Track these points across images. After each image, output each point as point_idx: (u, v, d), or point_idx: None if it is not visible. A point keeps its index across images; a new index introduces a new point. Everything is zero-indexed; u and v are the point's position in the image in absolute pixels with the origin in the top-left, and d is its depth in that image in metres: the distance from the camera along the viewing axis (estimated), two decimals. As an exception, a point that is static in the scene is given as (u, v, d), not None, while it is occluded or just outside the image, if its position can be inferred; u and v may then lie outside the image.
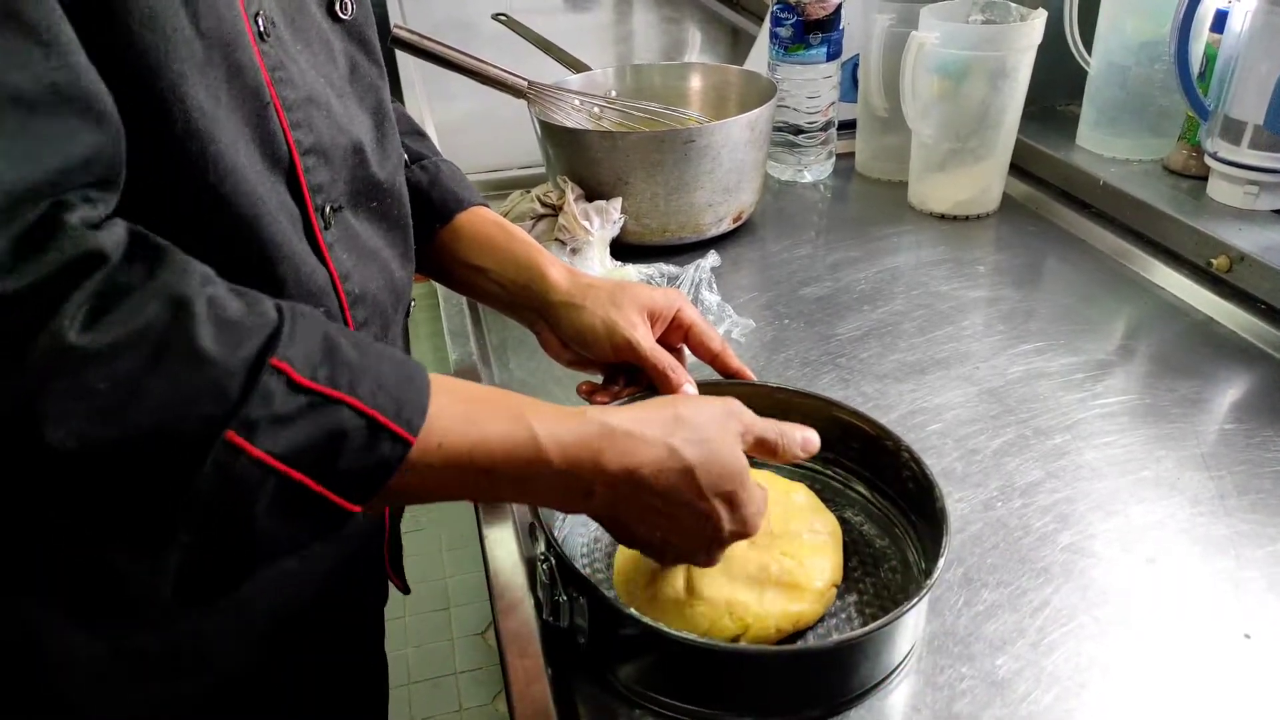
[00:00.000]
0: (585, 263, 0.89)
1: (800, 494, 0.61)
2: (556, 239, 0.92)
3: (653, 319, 0.64)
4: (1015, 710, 0.50)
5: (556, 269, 0.65)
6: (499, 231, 0.67)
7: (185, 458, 0.34)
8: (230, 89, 0.43)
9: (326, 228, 0.51)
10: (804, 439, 0.54)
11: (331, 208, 0.51)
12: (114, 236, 0.36)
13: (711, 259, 0.90)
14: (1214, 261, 0.88)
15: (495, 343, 0.85)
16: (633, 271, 0.89)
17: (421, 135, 0.71)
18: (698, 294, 0.87)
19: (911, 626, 0.52)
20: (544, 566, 0.52)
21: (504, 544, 0.62)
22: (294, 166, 0.47)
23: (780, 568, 0.54)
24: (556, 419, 0.45)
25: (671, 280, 0.90)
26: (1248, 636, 0.54)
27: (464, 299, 0.88)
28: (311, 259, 0.49)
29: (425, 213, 0.66)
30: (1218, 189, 0.94)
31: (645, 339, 0.62)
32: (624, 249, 0.96)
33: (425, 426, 0.40)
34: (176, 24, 0.39)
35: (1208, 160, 0.94)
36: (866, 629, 0.48)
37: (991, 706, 0.50)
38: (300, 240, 0.48)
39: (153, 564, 0.36)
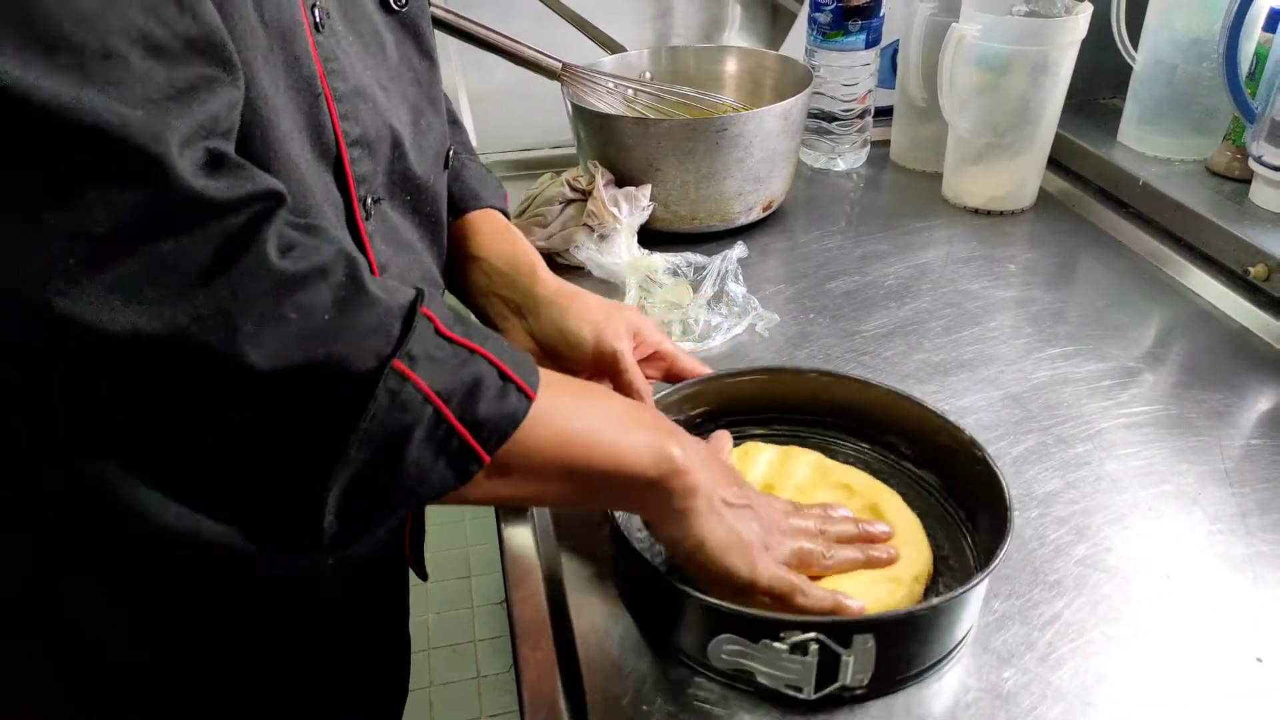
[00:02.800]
0: (612, 249, 0.89)
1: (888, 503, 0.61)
2: (585, 224, 0.92)
3: (636, 341, 0.64)
4: (1019, 724, 0.50)
5: (547, 271, 0.66)
6: (503, 229, 0.69)
7: (363, 382, 0.38)
8: (288, 79, 0.44)
9: (367, 218, 0.52)
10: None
11: (372, 199, 0.52)
12: (278, 182, 0.38)
13: (739, 250, 0.90)
14: (1252, 269, 0.86)
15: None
16: (659, 260, 0.89)
17: (457, 126, 0.71)
18: (723, 285, 0.87)
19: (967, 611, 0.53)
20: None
21: (521, 527, 0.63)
22: (340, 157, 0.48)
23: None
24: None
25: (699, 270, 0.90)
26: (1260, 660, 0.54)
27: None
28: (353, 246, 0.50)
29: None
30: (1260, 194, 0.92)
31: (629, 354, 0.63)
32: (651, 235, 0.96)
33: (542, 386, 0.44)
34: (244, 12, 0.41)
35: (1251, 164, 0.92)
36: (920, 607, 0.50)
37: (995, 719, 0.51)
38: (343, 230, 0.49)
39: (312, 498, 0.38)
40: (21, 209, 0.32)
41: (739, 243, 0.91)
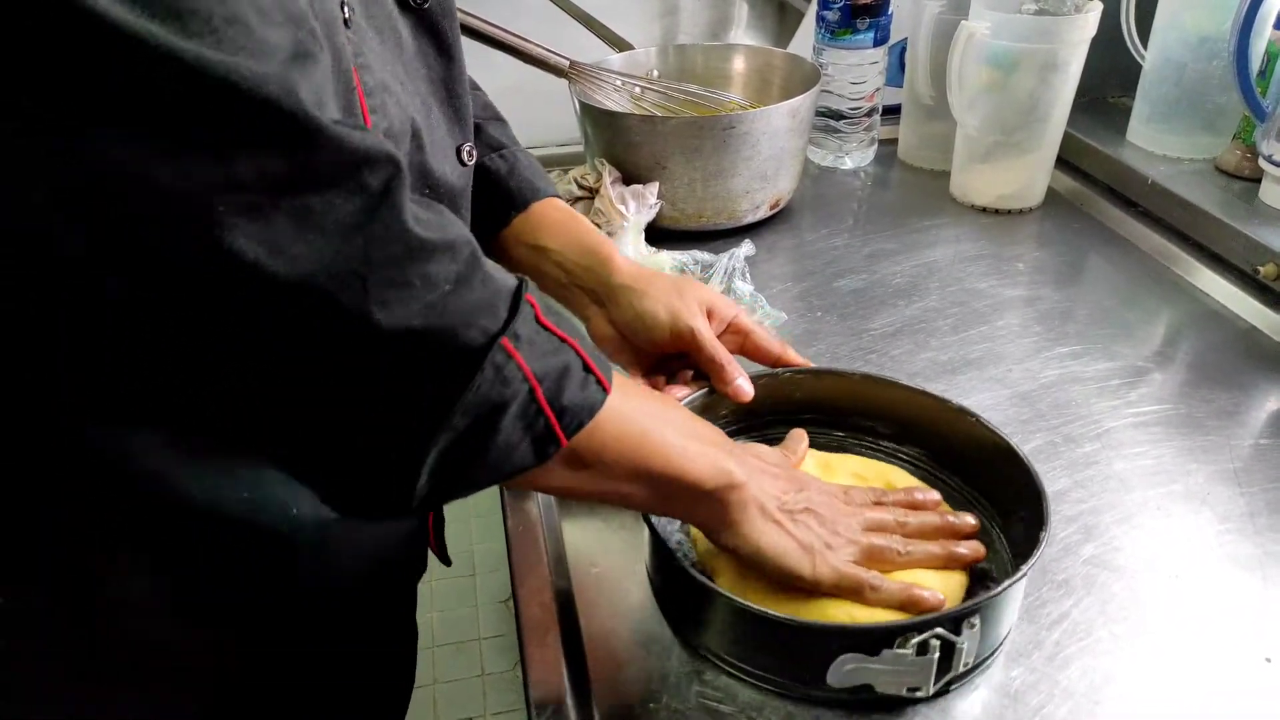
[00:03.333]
0: (619, 247, 0.89)
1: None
2: (593, 222, 0.92)
3: (710, 316, 0.66)
4: (1027, 723, 0.50)
5: (621, 257, 0.67)
6: (569, 217, 0.70)
7: (472, 354, 0.40)
8: (333, 69, 0.44)
9: None
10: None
11: None
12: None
13: (746, 248, 0.90)
14: (1261, 269, 0.86)
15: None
16: (666, 258, 0.89)
17: (501, 121, 0.73)
18: (731, 283, 0.87)
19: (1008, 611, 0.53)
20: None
21: (528, 523, 0.63)
22: None
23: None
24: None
25: (706, 268, 0.90)
26: (1269, 660, 0.54)
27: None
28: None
29: (502, 200, 0.69)
30: (1270, 193, 0.92)
31: (706, 329, 0.64)
32: (659, 233, 0.96)
33: (617, 386, 0.46)
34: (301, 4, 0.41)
35: (1261, 163, 0.92)
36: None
37: (1003, 719, 0.50)
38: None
39: (414, 456, 0.40)
40: (176, 161, 0.33)
41: (746, 240, 0.91)
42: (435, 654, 1.66)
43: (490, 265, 0.42)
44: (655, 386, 0.66)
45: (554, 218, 0.70)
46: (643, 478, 0.48)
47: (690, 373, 0.67)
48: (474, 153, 0.63)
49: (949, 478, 0.64)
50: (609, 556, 0.61)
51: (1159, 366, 0.79)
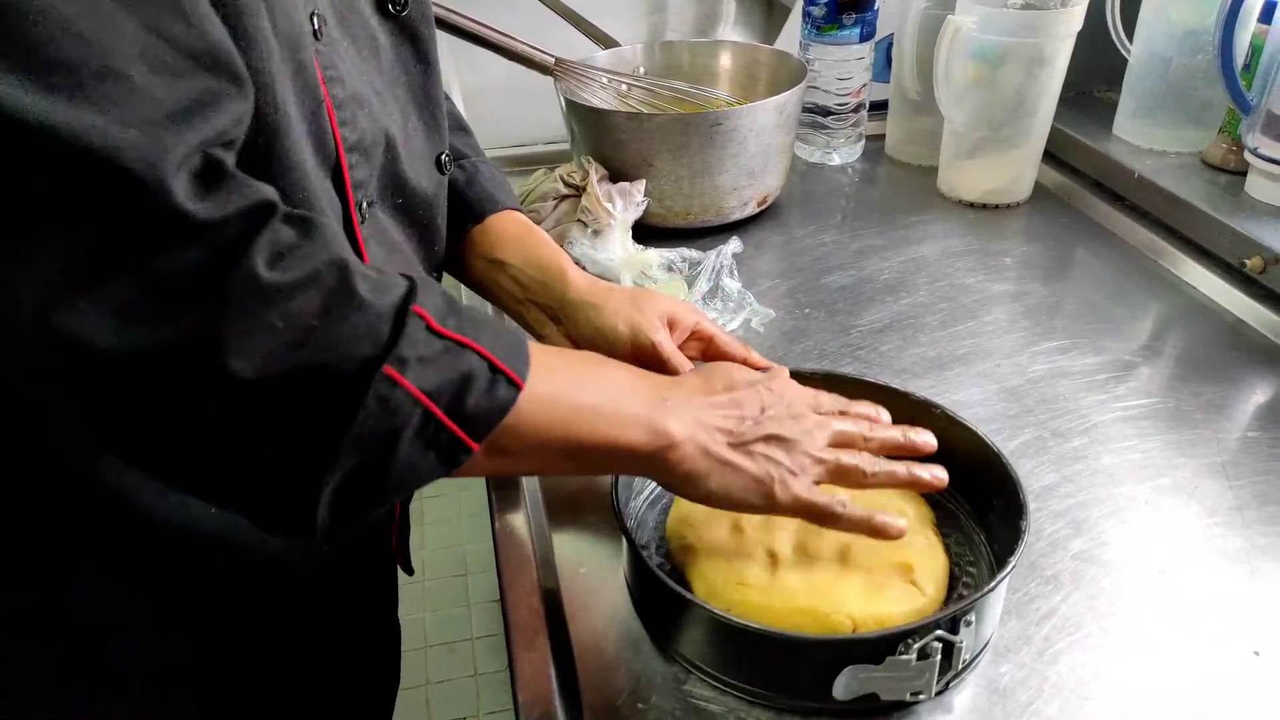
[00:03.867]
0: (606, 245, 0.89)
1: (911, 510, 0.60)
2: (579, 220, 0.92)
3: (671, 327, 0.64)
4: (1016, 720, 0.50)
5: (576, 271, 0.66)
6: (525, 231, 0.69)
7: (351, 388, 0.38)
8: (295, 87, 0.44)
9: (363, 221, 0.52)
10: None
11: (367, 203, 0.52)
12: (273, 191, 0.39)
13: (733, 245, 0.89)
14: (1248, 262, 0.86)
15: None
16: (654, 256, 0.89)
17: (466, 132, 0.72)
18: (719, 280, 0.87)
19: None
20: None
21: (516, 526, 0.62)
22: (339, 163, 0.49)
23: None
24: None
25: (694, 265, 0.89)
26: (1257, 654, 0.54)
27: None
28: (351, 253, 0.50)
29: (460, 212, 0.67)
30: (1256, 186, 0.92)
31: (668, 342, 0.63)
32: (646, 231, 0.95)
33: (530, 375, 0.44)
34: (259, 23, 0.41)
35: (1247, 156, 0.92)
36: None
37: (993, 715, 0.50)
38: (342, 235, 0.49)
39: (304, 496, 0.39)
40: (17, 230, 0.33)
41: (734, 238, 0.90)
42: (428, 654, 1.65)
43: (367, 286, 0.40)
44: None
45: (511, 232, 0.68)
46: (574, 454, 0.48)
47: None
48: (451, 160, 0.62)
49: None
50: (597, 557, 0.61)
51: (1146, 361, 0.79)
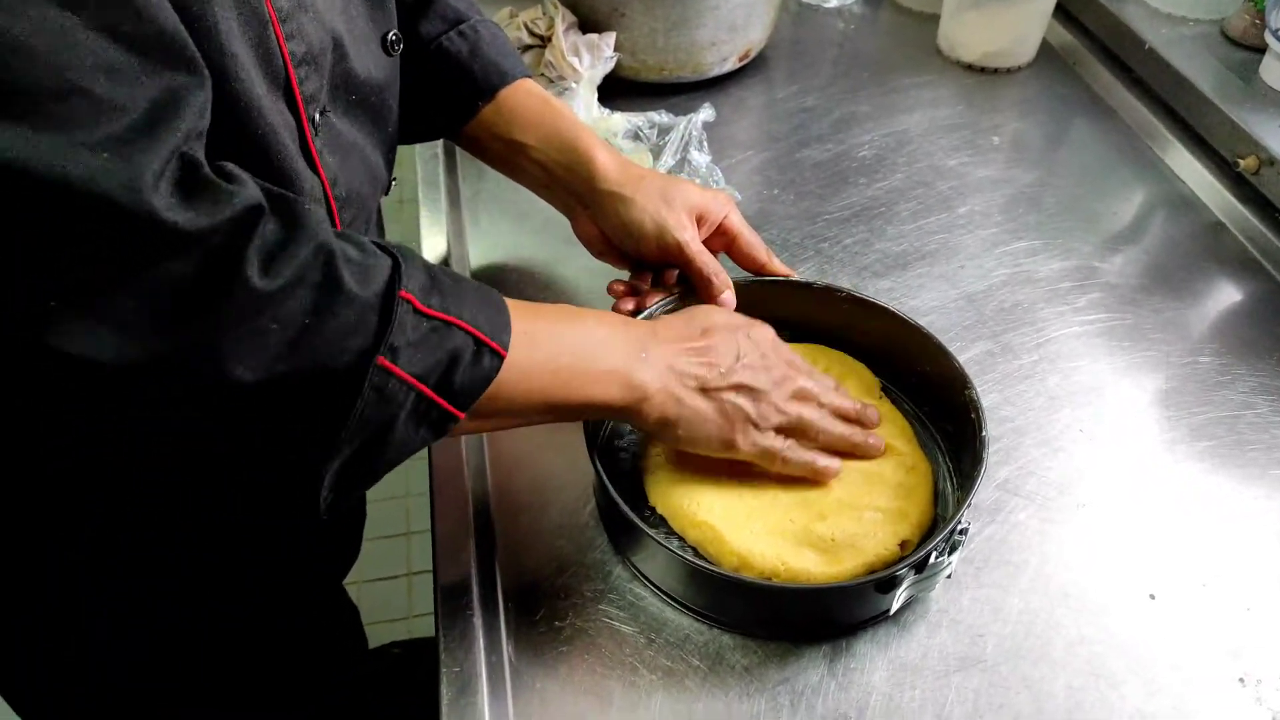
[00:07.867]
0: (570, 105, 0.84)
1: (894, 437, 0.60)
2: (542, 74, 0.86)
3: (700, 222, 0.63)
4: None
5: (604, 153, 0.63)
6: (544, 106, 0.65)
7: (348, 381, 0.40)
8: (239, 17, 0.42)
9: (316, 134, 0.50)
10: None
11: (319, 113, 0.50)
12: (257, 190, 0.39)
13: (705, 113, 0.84)
14: (1242, 161, 0.82)
15: (469, 194, 0.82)
16: (620, 121, 0.84)
17: None
18: (686, 154, 0.82)
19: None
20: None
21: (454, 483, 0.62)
22: (289, 80, 0.47)
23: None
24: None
25: (663, 133, 0.85)
26: (1152, 597, 0.56)
27: (440, 145, 0.84)
28: (307, 171, 0.49)
29: (467, 88, 0.64)
30: (1271, 71, 0.86)
31: (694, 241, 0.62)
32: (616, 86, 0.90)
33: (512, 342, 0.45)
34: None
35: (1267, 36, 0.85)
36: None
37: (889, 646, 0.53)
38: (297, 153, 0.48)
39: (311, 478, 0.41)
40: (5, 260, 0.33)
41: (706, 105, 0.85)
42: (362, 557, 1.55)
43: (353, 276, 0.40)
44: (640, 285, 0.65)
45: (527, 106, 0.65)
46: (553, 410, 0.50)
47: (676, 273, 0.65)
48: (400, 40, 0.58)
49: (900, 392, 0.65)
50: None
51: (1115, 267, 0.77)
